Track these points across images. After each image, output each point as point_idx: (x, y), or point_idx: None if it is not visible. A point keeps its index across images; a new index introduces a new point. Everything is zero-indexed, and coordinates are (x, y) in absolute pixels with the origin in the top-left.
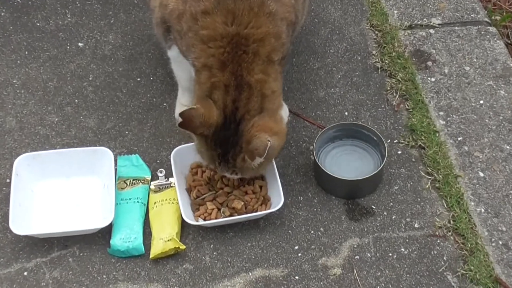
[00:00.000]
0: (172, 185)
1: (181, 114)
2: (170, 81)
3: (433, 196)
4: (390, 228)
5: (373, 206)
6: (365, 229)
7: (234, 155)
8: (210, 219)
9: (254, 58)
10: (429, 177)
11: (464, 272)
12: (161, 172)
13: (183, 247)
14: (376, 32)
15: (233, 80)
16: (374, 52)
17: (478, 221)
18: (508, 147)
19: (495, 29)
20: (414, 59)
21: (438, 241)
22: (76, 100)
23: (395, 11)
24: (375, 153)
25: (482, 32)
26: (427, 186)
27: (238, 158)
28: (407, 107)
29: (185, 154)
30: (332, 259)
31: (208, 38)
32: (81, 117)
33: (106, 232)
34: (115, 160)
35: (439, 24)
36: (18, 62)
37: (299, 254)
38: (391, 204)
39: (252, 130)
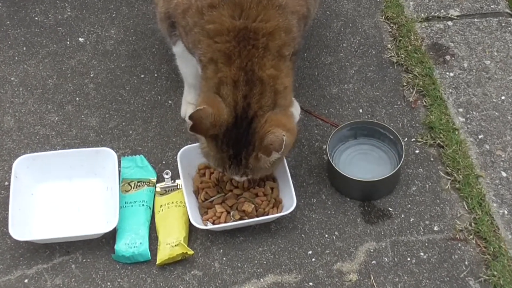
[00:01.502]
0: (178, 187)
1: (190, 117)
2: (175, 78)
3: (453, 197)
4: (408, 231)
5: (390, 208)
6: (382, 233)
7: (247, 155)
8: (219, 223)
9: (264, 53)
10: (449, 178)
11: (486, 277)
12: (167, 173)
13: (191, 252)
14: (391, 25)
15: (243, 76)
16: (389, 46)
17: (501, 223)
18: None
19: None
20: (431, 53)
21: (459, 244)
22: (77, 98)
23: (411, 2)
24: (391, 153)
25: (503, 24)
26: (447, 187)
27: (251, 157)
28: (424, 103)
29: (192, 155)
30: (347, 264)
31: (214, 33)
32: (83, 116)
33: (110, 237)
34: (119, 161)
35: (457, 16)
36: (16, 58)
37: (313, 259)
38: (409, 206)
39: (266, 126)
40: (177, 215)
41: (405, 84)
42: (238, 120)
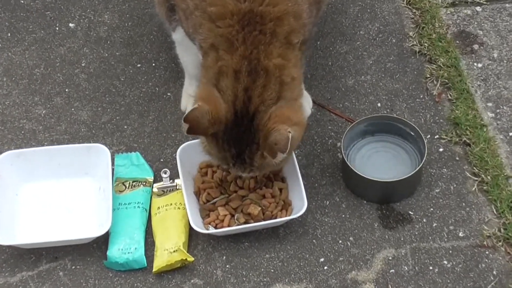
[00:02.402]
0: (178, 187)
1: (185, 120)
2: (175, 68)
3: (480, 200)
4: (430, 237)
5: (410, 212)
6: (402, 239)
7: (251, 154)
8: (222, 227)
9: (271, 40)
10: (476, 178)
11: None
12: (165, 172)
13: (191, 259)
14: (414, 11)
15: (246, 65)
16: (411, 33)
17: None
18: None
19: None
20: (458, 41)
21: (487, 252)
22: (66, 90)
23: None
24: (412, 151)
25: None
26: (474, 188)
27: (256, 156)
28: (449, 97)
29: (193, 152)
30: (363, 273)
31: (216, 16)
32: (73, 109)
33: (102, 242)
34: (112, 159)
35: (486, 1)
36: (0, 45)
37: (325, 267)
38: (432, 209)
39: (269, 123)
40: (176, 218)
41: (428, 75)
42: (238, 117)
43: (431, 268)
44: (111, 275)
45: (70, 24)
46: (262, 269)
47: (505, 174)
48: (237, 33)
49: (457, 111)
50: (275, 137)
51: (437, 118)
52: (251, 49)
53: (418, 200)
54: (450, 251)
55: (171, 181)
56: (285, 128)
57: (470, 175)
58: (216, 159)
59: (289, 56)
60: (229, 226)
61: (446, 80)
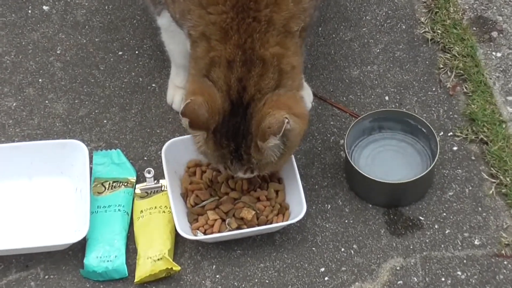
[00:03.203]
0: (163, 188)
1: (183, 113)
2: (160, 56)
3: (498, 204)
4: (442, 245)
5: (420, 217)
6: (411, 247)
7: (246, 148)
8: (212, 233)
9: (268, 28)
10: (494, 180)
11: None
12: (149, 172)
13: (177, 268)
14: None
15: (240, 55)
16: (422, 19)
17: None
18: None
19: None
20: (474, 28)
21: (505, 262)
22: (40, 80)
23: None
24: (423, 149)
25: None
26: (491, 191)
27: (252, 149)
28: (465, 90)
29: (180, 150)
30: (368, 284)
31: (207, 1)
32: (47, 101)
33: (79, 249)
34: (90, 157)
35: None
36: None
37: (326, 278)
38: (444, 214)
39: (264, 108)
40: (160, 222)
41: (441, 66)
42: (234, 107)
43: (443, 279)
44: (88, 285)
45: (44, 7)
46: (256, 280)
47: None
48: (231, 20)
49: (473, 106)
50: (269, 121)
51: (451, 113)
52: (245, 38)
53: (429, 204)
54: (465, 261)
55: (155, 181)
56: (282, 114)
57: (487, 177)
58: (213, 159)
59: (288, 44)
60: (219, 232)
61: (462, 71)
